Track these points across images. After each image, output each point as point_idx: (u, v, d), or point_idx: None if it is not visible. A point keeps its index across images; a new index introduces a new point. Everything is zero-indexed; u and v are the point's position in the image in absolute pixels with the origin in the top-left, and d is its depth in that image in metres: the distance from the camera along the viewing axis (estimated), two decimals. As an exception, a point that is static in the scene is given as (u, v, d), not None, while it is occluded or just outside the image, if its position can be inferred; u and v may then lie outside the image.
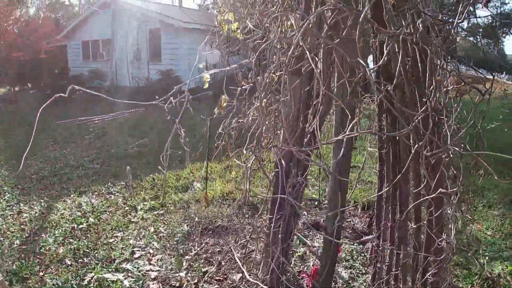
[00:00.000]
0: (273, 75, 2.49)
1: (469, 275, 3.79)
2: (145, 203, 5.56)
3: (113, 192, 6.07)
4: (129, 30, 17.50)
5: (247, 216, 5.06)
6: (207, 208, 5.17)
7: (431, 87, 1.99)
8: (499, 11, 25.52)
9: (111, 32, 17.67)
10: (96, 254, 4.15)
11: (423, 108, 1.96)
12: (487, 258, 4.03)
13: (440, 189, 2.05)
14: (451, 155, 2.19)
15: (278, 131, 2.84)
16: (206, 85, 2.17)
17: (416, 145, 2.00)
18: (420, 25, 1.91)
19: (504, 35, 27.90)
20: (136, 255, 4.16)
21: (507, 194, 5.81)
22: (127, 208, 5.43)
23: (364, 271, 4.01)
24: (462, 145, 2.22)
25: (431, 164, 2.16)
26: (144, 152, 8.46)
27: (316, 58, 2.37)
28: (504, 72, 28.76)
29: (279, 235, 2.59)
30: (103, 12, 17.84)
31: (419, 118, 1.85)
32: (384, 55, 1.85)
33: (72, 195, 5.90)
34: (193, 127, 9.15)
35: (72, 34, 19.77)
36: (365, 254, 4.29)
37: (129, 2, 19.43)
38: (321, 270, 2.63)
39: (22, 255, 4.15)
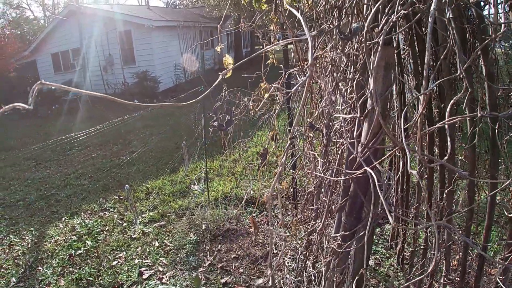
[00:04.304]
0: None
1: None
2: (143, 215, 5.19)
3: (107, 208, 5.66)
4: (99, 36, 16.87)
5: (255, 215, 4.73)
6: (213, 210, 4.82)
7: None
8: None
9: (80, 41, 17.03)
10: (102, 281, 3.78)
11: None
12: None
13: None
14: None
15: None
16: (229, 74, 1.70)
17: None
18: None
19: None
20: (145, 276, 3.80)
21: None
22: (124, 224, 5.04)
23: (388, 255, 3.80)
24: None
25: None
26: (132, 160, 8.03)
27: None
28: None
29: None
30: (69, 21, 17.16)
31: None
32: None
33: (63, 218, 5.47)
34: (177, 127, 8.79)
35: (40, 48, 18.97)
36: (385, 237, 4.08)
37: (95, 7, 18.74)
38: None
39: (21, 295, 3.77)
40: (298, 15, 1.13)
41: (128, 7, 21.45)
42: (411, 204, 3.20)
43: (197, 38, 20.39)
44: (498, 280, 2.05)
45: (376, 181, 1.22)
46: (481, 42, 1.92)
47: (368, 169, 1.25)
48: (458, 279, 2.36)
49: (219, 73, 1.28)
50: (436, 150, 2.54)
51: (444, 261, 2.47)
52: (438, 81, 1.86)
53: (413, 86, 2.49)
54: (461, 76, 1.22)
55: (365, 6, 1.54)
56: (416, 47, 2.29)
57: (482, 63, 1.91)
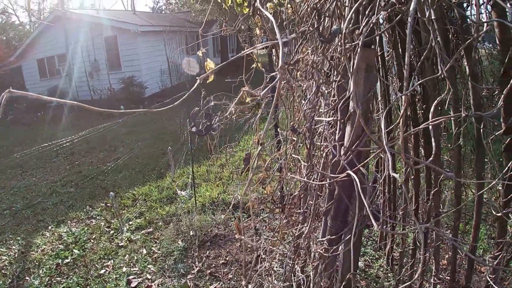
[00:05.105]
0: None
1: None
2: (130, 222, 5.13)
3: (94, 216, 5.59)
4: (84, 42, 16.73)
5: (243, 219, 4.70)
6: (200, 216, 4.79)
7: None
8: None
9: (66, 46, 16.88)
10: (89, 291, 3.73)
11: None
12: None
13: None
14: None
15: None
16: (211, 78, 1.66)
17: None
18: None
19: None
20: (133, 284, 3.75)
21: None
22: (112, 231, 4.97)
23: (377, 256, 3.81)
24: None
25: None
26: (118, 166, 7.94)
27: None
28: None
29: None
30: (55, 26, 16.98)
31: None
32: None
33: (50, 227, 5.38)
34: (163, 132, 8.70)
35: (26, 53, 18.74)
36: (374, 239, 4.09)
37: (80, 12, 18.59)
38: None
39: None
40: (271, 17, 1.11)
41: (114, 13, 21.30)
42: (399, 204, 3.21)
43: (183, 43, 20.33)
44: (489, 279, 2.05)
45: (359, 184, 1.20)
46: (464, 42, 1.93)
47: (350, 172, 1.24)
48: (449, 278, 2.36)
49: (197, 78, 1.25)
50: (422, 151, 2.54)
51: (433, 261, 2.47)
52: (419, 81, 1.87)
53: (397, 88, 2.50)
54: (442, 76, 1.21)
55: (347, 8, 1.53)
56: (400, 49, 2.29)
57: (466, 63, 1.92)
